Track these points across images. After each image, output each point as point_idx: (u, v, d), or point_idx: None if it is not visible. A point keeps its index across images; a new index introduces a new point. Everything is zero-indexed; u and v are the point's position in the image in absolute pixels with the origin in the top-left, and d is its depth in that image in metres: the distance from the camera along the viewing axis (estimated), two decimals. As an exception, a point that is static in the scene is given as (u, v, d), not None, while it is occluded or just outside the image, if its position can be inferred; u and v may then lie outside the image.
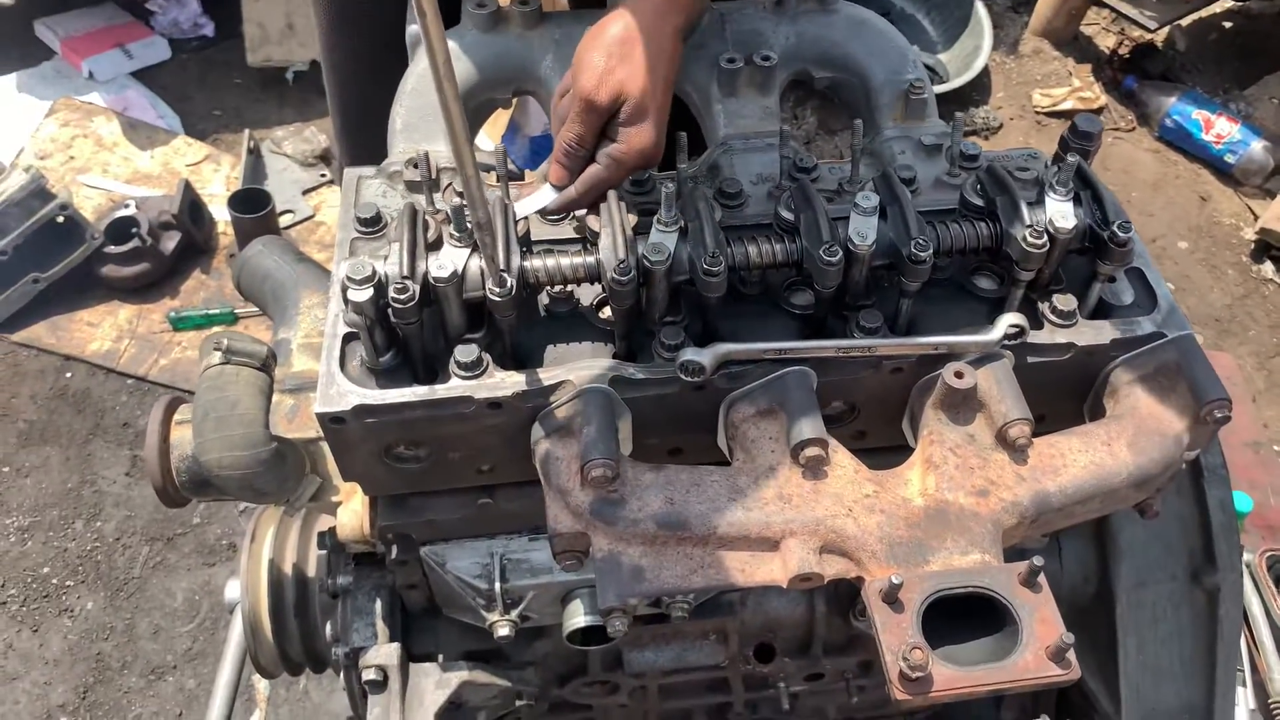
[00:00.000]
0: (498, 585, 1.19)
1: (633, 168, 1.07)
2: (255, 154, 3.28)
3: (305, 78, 3.48)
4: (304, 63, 3.46)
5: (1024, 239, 0.99)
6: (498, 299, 0.96)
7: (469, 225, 1.00)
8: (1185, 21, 4.00)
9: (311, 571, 1.48)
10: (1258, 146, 3.52)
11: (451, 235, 1.00)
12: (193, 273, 2.95)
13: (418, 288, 0.96)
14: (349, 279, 0.96)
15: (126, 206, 2.87)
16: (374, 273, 0.96)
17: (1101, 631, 1.42)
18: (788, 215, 1.06)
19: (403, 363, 1.04)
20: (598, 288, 1.08)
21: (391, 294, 0.95)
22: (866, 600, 0.89)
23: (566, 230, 1.15)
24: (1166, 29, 3.94)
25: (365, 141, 1.85)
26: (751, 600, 1.41)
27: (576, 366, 1.01)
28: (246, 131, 3.28)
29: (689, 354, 0.98)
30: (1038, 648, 0.85)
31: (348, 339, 1.05)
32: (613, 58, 1.03)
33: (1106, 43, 4.01)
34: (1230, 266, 3.41)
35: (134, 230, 2.81)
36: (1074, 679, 0.84)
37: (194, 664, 2.24)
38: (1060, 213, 1.01)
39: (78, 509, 2.48)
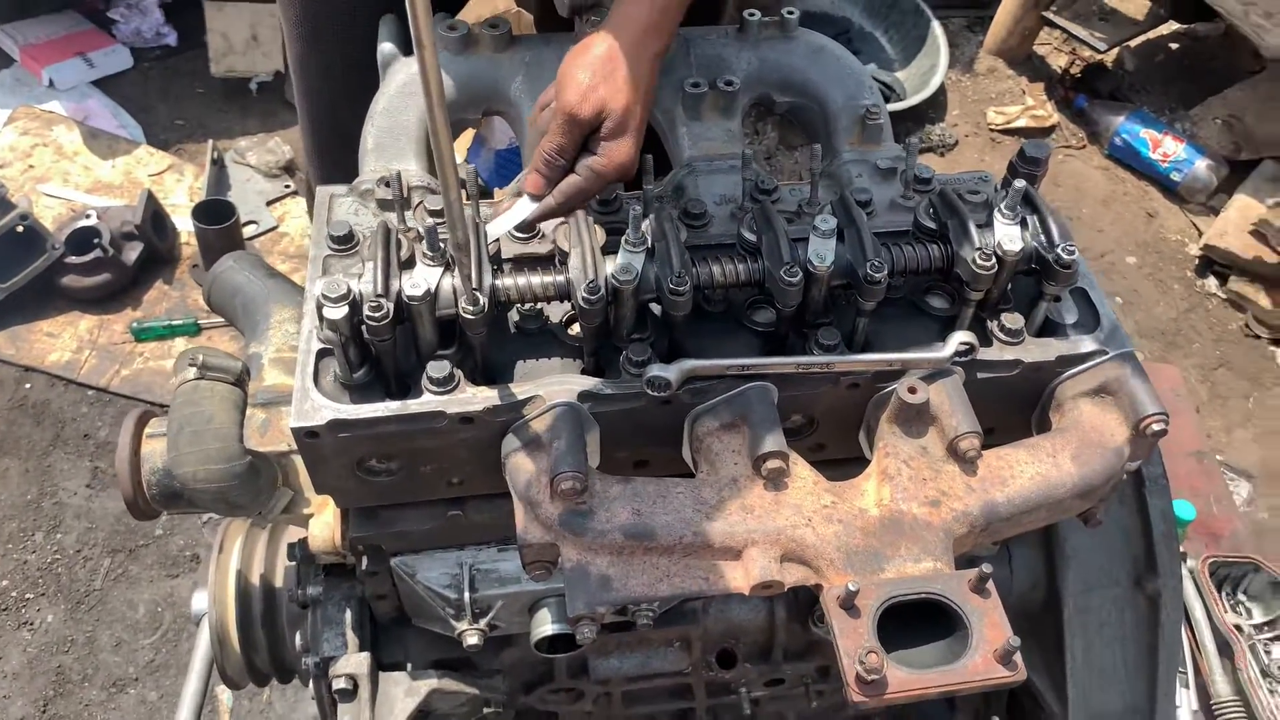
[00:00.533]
0: (467, 595, 1.22)
1: (610, 180, 1.11)
2: (219, 164, 3.27)
3: (269, 88, 3.48)
4: (268, 73, 3.46)
5: (974, 261, 1.04)
6: (470, 317, 0.99)
7: (441, 245, 1.03)
8: (1134, 43, 4.12)
9: (279, 582, 1.50)
10: (1201, 165, 3.64)
11: (425, 254, 1.03)
12: (155, 283, 2.93)
13: (392, 305, 0.99)
14: (325, 297, 0.98)
15: (88, 216, 2.86)
16: (349, 291, 0.99)
17: (1050, 636, 1.47)
18: (750, 236, 1.10)
19: (376, 378, 1.06)
20: (566, 305, 1.12)
21: (366, 312, 0.98)
22: (825, 607, 0.93)
23: (536, 248, 1.18)
24: (1116, 50, 4.06)
25: (337, 160, 1.87)
26: (714, 608, 1.45)
27: (546, 382, 1.05)
28: (210, 142, 3.27)
29: (655, 370, 1.02)
30: (986, 651, 0.90)
31: (321, 355, 1.08)
32: (597, 75, 1.07)
33: (1059, 62, 4.12)
34: (1176, 281, 3.51)
35: (96, 240, 2.80)
36: (1020, 680, 0.89)
37: (156, 676, 2.23)
38: (1008, 236, 1.06)
39: (37, 521, 2.46)
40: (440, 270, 1.03)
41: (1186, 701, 2.36)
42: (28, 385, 2.71)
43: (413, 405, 1.02)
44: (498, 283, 1.04)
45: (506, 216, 1.14)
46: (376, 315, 0.98)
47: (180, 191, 3.17)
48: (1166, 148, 3.70)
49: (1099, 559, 1.44)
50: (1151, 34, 4.13)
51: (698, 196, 1.24)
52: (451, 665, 1.37)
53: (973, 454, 1.02)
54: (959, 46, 4.11)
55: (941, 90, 3.88)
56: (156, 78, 3.49)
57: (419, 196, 1.27)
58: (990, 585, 0.93)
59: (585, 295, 0.99)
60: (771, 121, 3.71)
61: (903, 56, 3.95)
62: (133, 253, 2.87)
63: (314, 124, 1.82)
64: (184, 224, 3.01)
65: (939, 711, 1.71)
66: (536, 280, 1.04)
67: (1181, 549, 2.11)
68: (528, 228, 1.19)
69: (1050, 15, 3.87)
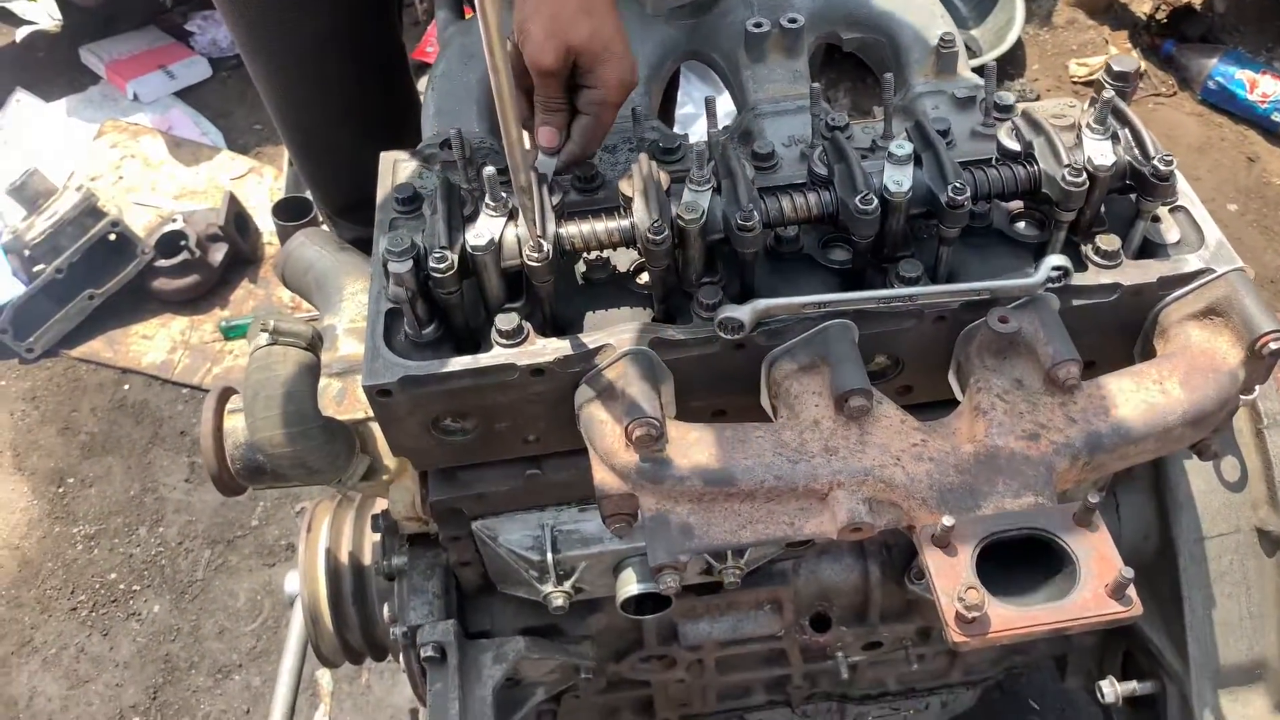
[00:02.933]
0: (550, 556, 1.20)
1: (618, 101, 1.09)
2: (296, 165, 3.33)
3: (341, 88, 3.53)
4: (339, 73, 3.51)
5: (1062, 179, 0.98)
6: (535, 264, 0.97)
7: (504, 195, 1.01)
8: (1225, -18, 3.91)
9: (368, 559, 1.51)
10: (1307, 103, 3.43)
11: (488, 205, 1.01)
12: (241, 282, 3.01)
13: (456, 257, 0.97)
14: (389, 251, 0.97)
15: (174, 221, 2.94)
16: (413, 244, 0.98)
17: (1165, 588, 1.39)
18: (821, 170, 1.05)
19: (445, 335, 1.05)
20: (634, 254, 1.09)
21: (431, 264, 0.96)
22: (919, 545, 0.88)
23: (601, 199, 1.15)
24: (1206, -10, 3.86)
25: (311, 142, 1.92)
26: (805, 568, 1.41)
27: (616, 330, 1.02)
28: (287, 143, 3.34)
29: (727, 311, 0.98)
30: (1096, 585, 0.84)
31: (391, 315, 1.07)
32: (543, 21, 1.04)
33: (1143, 8, 3.93)
34: (1284, 227, 3.32)
35: (183, 244, 2.87)
36: (1137, 614, 0.83)
37: (258, 662, 2.28)
38: (1098, 150, 0.99)
39: (140, 516, 2.54)
40: (504, 220, 1.01)
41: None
42: (126, 386, 2.80)
43: (483, 359, 1.01)
44: (562, 230, 1.01)
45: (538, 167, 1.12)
46: (441, 267, 0.96)
47: (261, 192, 3.24)
48: (1265, 87, 3.50)
49: (1215, 503, 1.36)
50: (1244, -30, 3.91)
51: (765, 139, 1.20)
52: (539, 632, 1.36)
53: (1072, 382, 0.96)
54: (1036, 0, 3.96)
55: (1019, 45, 3.74)
56: (234, 85, 3.57)
57: (481, 156, 1.25)
58: (1097, 517, 0.87)
59: (650, 236, 0.96)
60: (844, 88, 3.62)
61: (976, 14, 3.81)
62: (218, 254, 2.94)
63: (278, 111, 1.88)
64: (266, 223, 3.07)
65: (1048, 674, 1.64)
66: (601, 226, 1.02)
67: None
68: (594, 179, 1.16)
69: (1133, -42, 3.69)
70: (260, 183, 3.27)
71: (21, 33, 3.30)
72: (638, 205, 1.01)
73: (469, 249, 0.98)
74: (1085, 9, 3.93)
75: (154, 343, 2.88)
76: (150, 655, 2.31)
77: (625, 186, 1.08)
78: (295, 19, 1.71)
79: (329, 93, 1.85)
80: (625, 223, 1.02)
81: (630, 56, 1.08)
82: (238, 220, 3.01)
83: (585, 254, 1.08)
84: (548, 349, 1.01)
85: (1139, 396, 0.97)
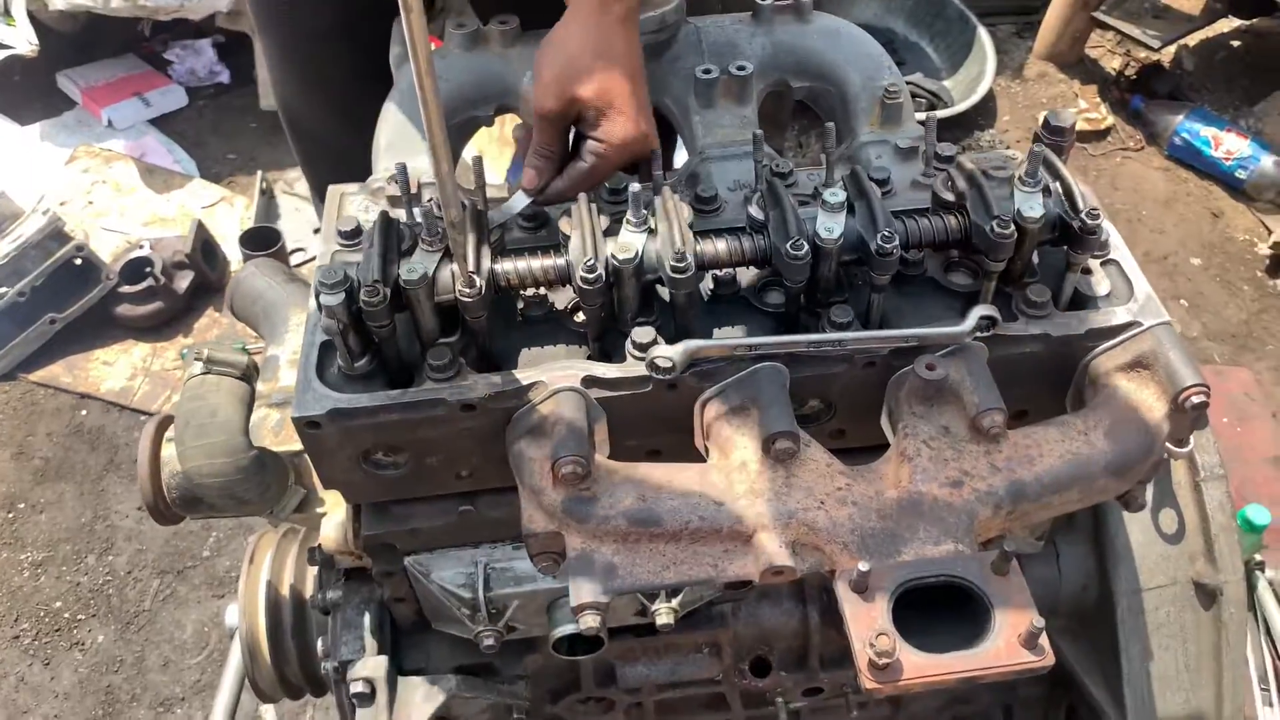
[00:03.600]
0: (481, 594, 1.19)
1: (615, 158, 1.09)
2: (268, 195, 3.34)
3: (317, 120, 3.55)
4: (316, 105, 3.53)
5: (991, 230, 0.99)
6: (467, 300, 0.97)
7: (440, 230, 1.02)
8: (1192, 41, 4.00)
9: (309, 592, 1.49)
10: (1268, 161, 3.50)
11: (423, 240, 1.02)
12: (206, 310, 3.00)
13: (388, 290, 0.97)
14: (321, 283, 0.97)
15: (141, 248, 2.93)
16: (345, 277, 0.98)
17: (1105, 639, 1.39)
18: (758, 215, 1.07)
19: (379, 368, 1.05)
20: (572, 292, 1.09)
21: (363, 297, 0.96)
22: (836, 591, 0.88)
23: (544, 239, 1.16)
24: (1173, 49, 3.95)
25: (328, 169, 1.92)
26: (744, 611, 1.40)
27: (549, 367, 1.02)
28: (259, 173, 3.35)
29: (659, 351, 0.98)
30: (1010, 634, 0.84)
31: (325, 346, 1.06)
32: (555, 66, 1.06)
33: (1112, 64, 4.02)
34: (1245, 282, 3.37)
35: (148, 270, 2.87)
36: (1047, 665, 0.83)
37: (202, 695, 2.24)
38: (1028, 203, 1.01)
39: (90, 543, 2.51)
40: (438, 256, 1.01)
41: None
42: (83, 412, 2.78)
43: (413, 393, 1.01)
44: (496, 267, 1.01)
45: (507, 206, 1.13)
46: (373, 300, 0.96)
47: (232, 221, 3.24)
48: (1229, 145, 3.57)
49: (1152, 555, 1.36)
50: (1210, 31, 4.01)
51: (710, 182, 1.21)
52: (473, 671, 1.34)
53: (996, 431, 0.96)
54: (1007, 53, 4.04)
55: (990, 97, 3.81)
56: (210, 114, 3.59)
57: (429, 192, 1.26)
58: (1014, 565, 0.87)
59: (583, 275, 0.97)
60: (815, 134, 3.67)
61: (949, 64, 3.89)
62: (184, 281, 2.93)
63: (298, 139, 1.88)
64: (234, 252, 3.07)
65: (991, 722, 1.63)
66: (536, 264, 1.02)
67: (1259, 557, 1.99)
68: (536, 218, 1.17)
69: (1101, 16, 3.77)
70: (231, 212, 3.28)
71: (-2, 56, 3.31)
72: (574, 244, 1.02)
73: (402, 282, 0.98)
74: (1056, 63, 4.01)
75: (114, 369, 2.86)
76: (91, 686, 2.27)
77: (564, 225, 1.08)
78: (295, 14, 1.70)
79: (328, 90, 1.85)
80: (560, 260, 1.02)
81: (641, 122, 1.09)
82: (205, 248, 3.00)
83: (522, 291, 1.09)
84: (479, 384, 1.01)
85: (1064, 446, 0.98)
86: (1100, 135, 3.79)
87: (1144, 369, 1.02)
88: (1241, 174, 3.56)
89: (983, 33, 3.77)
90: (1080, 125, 3.77)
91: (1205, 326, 3.23)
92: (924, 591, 0.89)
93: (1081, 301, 1.08)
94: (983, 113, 3.78)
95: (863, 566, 0.85)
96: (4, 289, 2.78)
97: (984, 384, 0.98)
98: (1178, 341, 1.02)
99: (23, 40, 3.29)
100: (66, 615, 2.38)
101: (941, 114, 3.57)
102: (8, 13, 3.39)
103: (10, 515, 2.57)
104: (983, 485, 0.95)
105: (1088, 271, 1.09)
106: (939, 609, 0.89)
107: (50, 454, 2.69)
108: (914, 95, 3.71)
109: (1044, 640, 0.83)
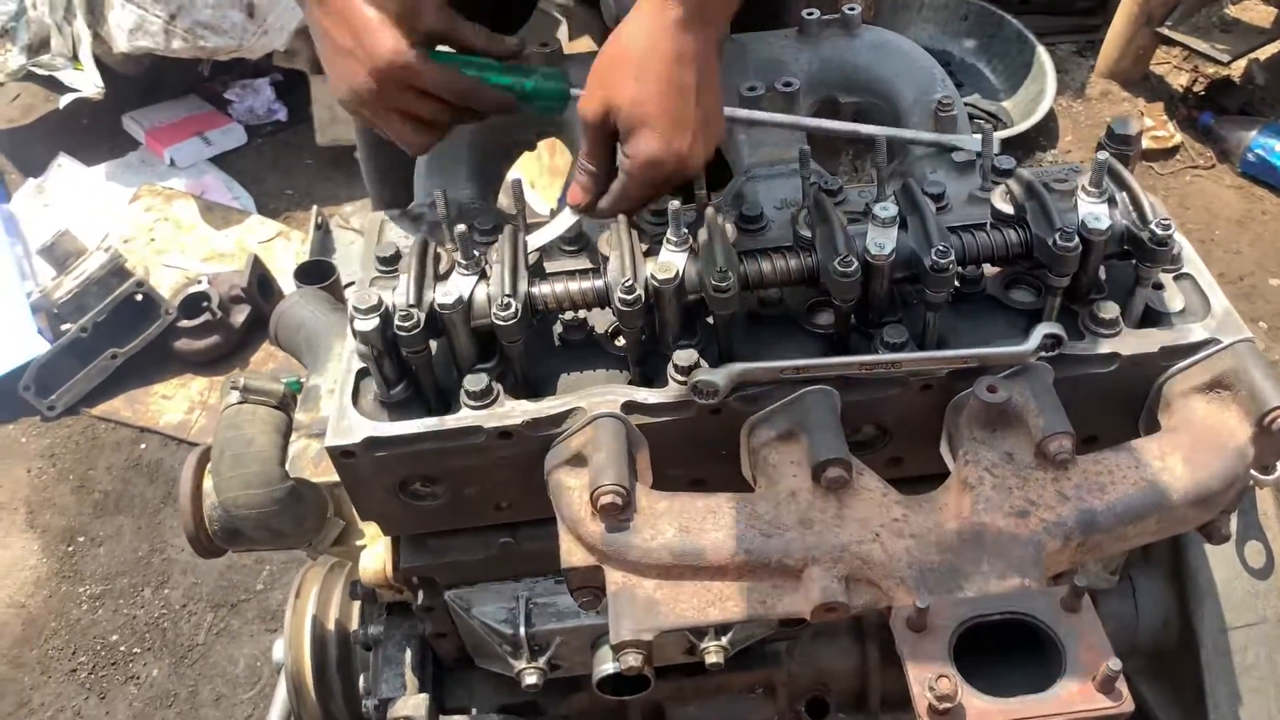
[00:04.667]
0: (523, 630, 1.15)
1: (646, 179, 1.01)
2: (323, 229, 3.36)
3: (372, 155, 3.59)
4: (371, 141, 3.57)
5: (1054, 243, 0.93)
6: (503, 324, 0.94)
7: (476, 254, 0.99)
8: (1264, 54, 3.86)
9: (355, 627, 1.46)
10: (1348, 177, 3.35)
11: (459, 264, 0.99)
12: (262, 344, 3.02)
13: (423, 315, 0.95)
14: (355, 309, 0.95)
15: (199, 283, 2.97)
16: (380, 303, 0.96)
17: (1188, 680, 1.30)
18: (806, 233, 1.02)
19: (415, 395, 1.02)
20: (612, 315, 1.06)
21: (397, 322, 0.94)
22: (894, 629, 0.82)
23: (584, 261, 1.13)
24: (1244, 63, 3.81)
25: (396, 190, 1.90)
26: (799, 650, 1.34)
27: (589, 393, 0.98)
28: (315, 208, 3.38)
29: (702, 374, 0.94)
30: (1084, 677, 0.77)
31: (361, 374, 1.04)
32: (600, 70, 1.01)
33: (1179, 80, 3.89)
34: (1328, 303, 3.22)
35: (205, 305, 2.90)
36: (1127, 711, 0.76)
37: (254, 731, 2.23)
38: (1092, 214, 0.95)
39: (147, 577, 2.52)
40: (474, 279, 0.98)
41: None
42: (143, 445, 2.80)
43: (449, 420, 0.98)
44: (534, 290, 0.98)
45: (551, 226, 1.10)
46: (407, 325, 0.94)
47: (288, 256, 3.27)
48: (1307, 161, 3.43)
49: (1239, 591, 1.27)
50: (1281, 44, 3.87)
51: (755, 201, 1.17)
52: (517, 710, 1.30)
53: (1064, 456, 0.90)
54: (1069, 72, 3.93)
55: (1052, 116, 3.71)
56: (268, 151, 3.65)
57: (471, 217, 1.23)
58: (1086, 602, 0.80)
59: (622, 296, 0.93)
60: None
61: (1008, 85, 3.80)
62: (240, 315, 2.96)
63: (371, 154, 1.86)
64: (289, 286, 3.09)
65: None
66: (575, 286, 0.99)
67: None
68: (577, 240, 1.14)
69: (1166, 31, 3.66)
70: (287, 246, 3.31)
71: (66, 99, 3.39)
72: (613, 265, 0.98)
73: (437, 307, 0.96)
74: (1119, 80, 3.90)
75: (173, 402, 2.89)
76: (146, 720, 2.27)
77: (603, 246, 1.05)
78: None
79: None
80: (599, 282, 0.99)
81: (676, 140, 0.99)
82: (261, 283, 3.03)
83: (561, 314, 1.06)
84: (516, 411, 0.98)
85: (1138, 473, 0.91)
86: (1168, 154, 3.66)
87: (1224, 389, 0.95)
88: (1320, 190, 3.42)
89: (1042, 52, 3.68)
90: (1147, 144, 3.65)
91: (1287, 349, 3.08)
92: (989, 630, 0.82)
93: (1154, 318, 1.02)
94: (1044, 133, 3.68)
95: (920, 603, 0.79)
96: (68, 325, 2.83)
97: (1050, 407, 0.92)
98: (1261, 359, 0.95)
99: (90, 84, 3.38)
100: (123, 649, 2.39)
101: (1002, 134, 3.49)
102: (75, 58, 3.49)
103: (70, 549, 2.60)
104: (1050, 515, 0.88)
105: (1159, 286, 1.03)
106: (1006, 649, 0.83)
107: (110, 487, 2.71)
108: (972, 117, 3.64)
109: (1121, 684, 0.76)
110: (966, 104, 3.67)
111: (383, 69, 1.02)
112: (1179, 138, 3.69)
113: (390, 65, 1.02)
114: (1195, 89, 3.80)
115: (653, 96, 0.98)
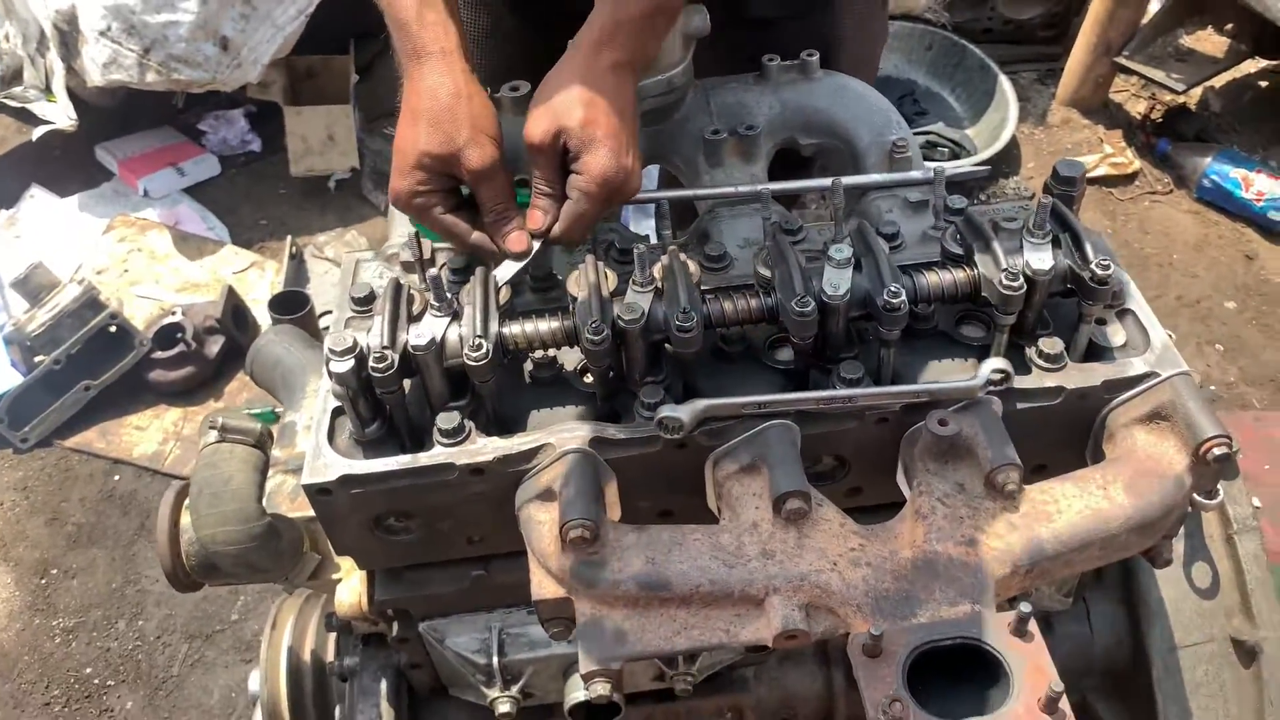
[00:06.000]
0: (495, 660, 1.18)
1: (602, 195, 1.08)
2: (298, 259, 3.39)
3: (346, 185, 3.62)
4: (345, 171, 3.60)
5: (999, 283, 0.98)
6: (474, 364, 0.98)
7: (448, 295, 1.03)
8: (1218, 83, 3.98)
9: (331, 658, 1.48)
10: (1301, 202, 3.45)
11: (432, 305, 1.02)
12: (236, 375, 3.03)
13: (397, 356, 0.98)
14: (330, 351, 0.98)
15: (173, 314, 2.98)
16: (355, 344, 0.99)
17: (1140, 699, 1.35)
18: (766, 272, 1.06)
19: (389, 433, 1.05)
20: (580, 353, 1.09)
21: (371, 364, 0.97)
22: (850, 655, 0.86)
23: (553, 299, 1.16)
24: (1199, 91, 3.92)
25: None
26: (766, 676, 1.37)
27: (557, 429, 1.02)
28: (289, 238, 3.41)
29: (666, 410, 0.98)
30: (1030, 699, 0.81)
31: (336, 413, 1.07)
32: (545, 101, 1.07)
33: (1137, 108, 4.00)
34: (1282, 325, 3.31)
35: (179, 335, 2.91)
36: (1069, 732, 0.80)
37: (230, 763, 2.23)
38: (1037, 255, 1.00)
39: (121, 609, 2.52)
40: (447, 320, 1.02)
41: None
42: (116, 477, 2.81)
43: (423, 458, 1.01)
44: (504, 329, 1.02)
45: (511, 261, 1.13)
46: (381, 366, 0.97)
47: (262, 286, 3.29)
48: (1260, 186, 3.53)
49: (1188, 611, 1.32)
50: (1236, 73, 3.98)
51: (719, 240, 1.22)
52: (492, 739, 1.32)
53: (1011, 487, 0.94)
54: (1030, 100, 4.03)
55: (1014, 144, 3.80)
56: (242, 182, 3.67)
57: (443, 258, 1.27)
58: (1033, 627, 0.85)
59: (589, 336, 0.97)
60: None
61: (971, 113, 3.89)
62: (215, 346, 2.97)
63: None
64: (264, 317, 3.11)
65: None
66: (544, 326, 1.03)
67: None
68: (546, 277, 1.18)
69: (1123, 60, 3.76)
70: (262, 277, 3.33)
71: (39, 131, 3.40)
72: (580, 305, 1.02)
73: (410, 348, 0.99)
74: (1079, 108, 4.00)
75: (147, 434, 2.90)
76: (121, 754, 2.26)
77: (572, 286, 1.09)
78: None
79: None
80: (568, 322, 1.02)
81: (624, 157, 1.07)
82: (236, 313, 3.05)
83: (531, 353, 1.09)
84: (487, 448, 1.01)
85: (1082, 502, 0.95)
86: (1128, 179, 3.76)
87: (1164, 420, 1.00)
88: (1275, 215, 3.51)
89: (1004, 80, 3.77)
90: (1106, 170, 3.75)
91: (1243, 371, 3.16)
92: (945, 655, 0.86)
93: (1097, 353, 1.06)
94: (1006, 160, 3.77)
95: (874, 630, 0.83)
96: (41, 357, 2.83)
97: (998, 439, 0.96)
98: (1197, 392, 1.00)
99: (63, 115, 3.39)
100: (96, 681, 2.38)
101: (964, 163, 3.56)
102: (49, 89, 3.50)
103: (43, 581, 2.59)
104: (999, 544, 0.93)
105: (1102, 322, 1.08)
106: (960, 672, 0.87)
107: (83, 519, 2.71)
108: (936, 145, 3.71)
109: (1064, 704, 0.80)
110: (930, 132, 3.76)
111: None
112: (1138, 164, 3.79)
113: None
114: (1153, 116, 3.90)
115: (599, 118, 1.06)
